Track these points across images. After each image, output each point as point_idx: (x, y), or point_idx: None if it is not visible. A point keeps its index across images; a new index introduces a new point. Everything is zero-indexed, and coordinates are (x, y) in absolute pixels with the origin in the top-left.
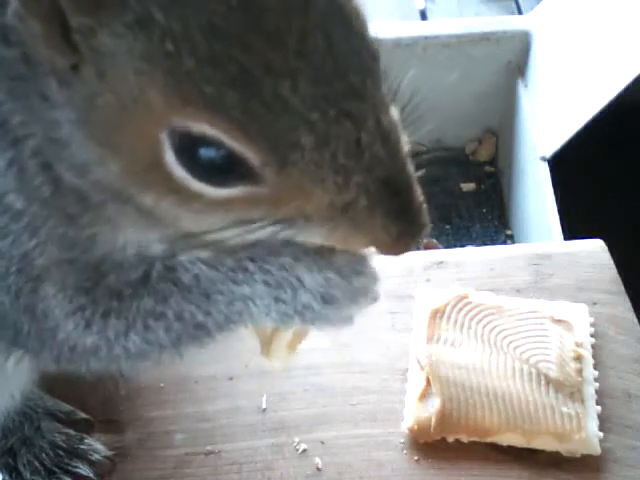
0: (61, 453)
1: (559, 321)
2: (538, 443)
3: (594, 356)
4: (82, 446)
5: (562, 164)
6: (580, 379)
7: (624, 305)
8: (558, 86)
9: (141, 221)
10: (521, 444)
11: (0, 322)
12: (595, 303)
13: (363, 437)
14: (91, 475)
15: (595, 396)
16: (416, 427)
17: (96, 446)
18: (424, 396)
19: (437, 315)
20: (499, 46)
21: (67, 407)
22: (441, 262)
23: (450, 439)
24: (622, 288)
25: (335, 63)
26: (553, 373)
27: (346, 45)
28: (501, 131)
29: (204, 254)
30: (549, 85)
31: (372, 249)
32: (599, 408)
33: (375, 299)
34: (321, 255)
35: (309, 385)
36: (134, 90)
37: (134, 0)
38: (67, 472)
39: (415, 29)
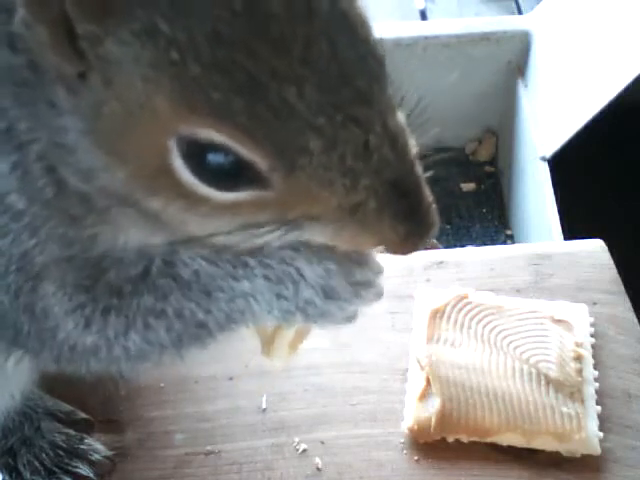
0: (61, 453)
1: (559, 321)
2: (538, 443)
3: (594, 356)
4: (82, 446)
5: (562, 164)
6: (580, 379)
7: (624, 305)
8: (558, 86)
9: (145, 224)
10: (521, 444)
11: (0, 322)
12: (595, 303)
13: (363, 437)
14: (91, 475)
15: (595, 396)
16: (416, 427)
17: (96, 446)
18: (424, 396)
19: (437, 315)
20: (499, 46)
21: (67, 407)
22: (441, 262)
23: (450, 439)
24: (622, 288)
25: (340, 69)
26: (553, 373)
27: (351, 51)
28: (501, 131)
29: (203, 251)
30: (549, 85)
31: (378, 248)
32: (599, 408)
33: (380, 294)
34: (322, 248)
35: (309, 385)
36: (141, 97)
37: (140, 9)
38: (67, 472)
39: (415, 29)
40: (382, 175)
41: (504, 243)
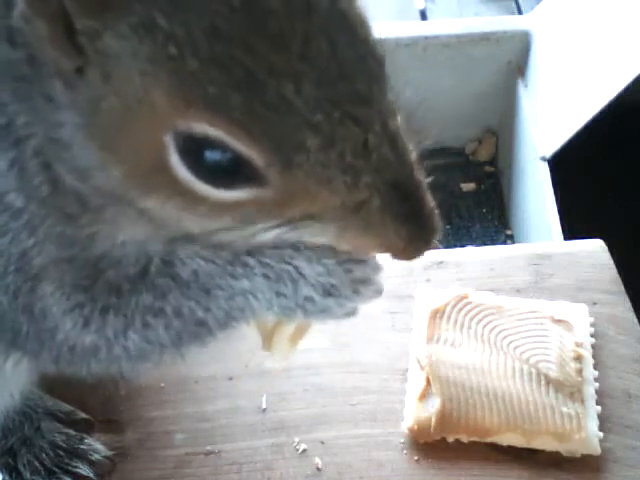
0: (61, 453)
1: (559, 321)
2: (538, 443)
3: (594, 356)
4: (82, 446)
5: (562, 164)
6: (580, 379)
7: (624, 305)
8: (558, 86)
9: (142, 223)
10: (521, 444)
11: None
12: (595, 303)
13: (363, 437)
14: (91, 475)
15: (595, 396)
16: (416, 427)
17: (96, 446)
18: (424, 396)
19: (437, 315)
20: (499, 46)
21: (67, 407)
22: (441, 262)
23: (450, 439)
24: (622, 288)
25: (339, 68)
26: (553, 373)
27: (351, 51)
28: (501, 131)
29: (201, 249)
30: (549, 85)
31: (381, 252)
32: (599, 408)
33: (379, 291)
34: (321, 247)
35: (309, 385)
36: (139, 92)
37: (138, 3)
38: (67, 472)
39: (415, 29)
40: (383, 175)
41: (504, 243)
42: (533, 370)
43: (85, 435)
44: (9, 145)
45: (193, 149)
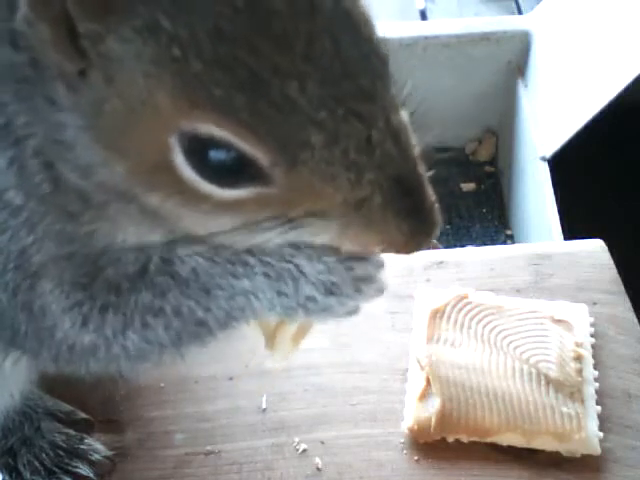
0: (61, 453)
1: (559, 321)
2: (538, 443)
3: (594, 356)
4: (82, 446)
5: (562, 164)
6: (580, 379)
7: (624, 305)
8: (558, 86)
9: (144, 221)
10: (521, 444)
11: None
12: (595, 303)
13: (363, 437)
14: (91, 475)
15: (595, 396)
16: (416, 427)
17: (96, 446)
18: (424, 396)
19: (437, 315)
20: (499, 46)
21: (67, 407)
22: (441, 262)
23: (450, 439)
24: (622, 288)
25: (343, 66)
26: (553, 373)
27: (354, 49)
28: (501, 131)
29: (202, 247)
30: (549, 85)
31: (383, 248)
32: (599, 408)
33: (381, 289)
34: (322, 244)
35: (309, 385)
36: (142, 94)
37: (142, 6)
38: (67, 472)
39: (415, 29)
40: (386, 170)
41: (504, 243)
42: (533, 370)
43: (85, 435)
44: (8, 144)
45: (197, 149)
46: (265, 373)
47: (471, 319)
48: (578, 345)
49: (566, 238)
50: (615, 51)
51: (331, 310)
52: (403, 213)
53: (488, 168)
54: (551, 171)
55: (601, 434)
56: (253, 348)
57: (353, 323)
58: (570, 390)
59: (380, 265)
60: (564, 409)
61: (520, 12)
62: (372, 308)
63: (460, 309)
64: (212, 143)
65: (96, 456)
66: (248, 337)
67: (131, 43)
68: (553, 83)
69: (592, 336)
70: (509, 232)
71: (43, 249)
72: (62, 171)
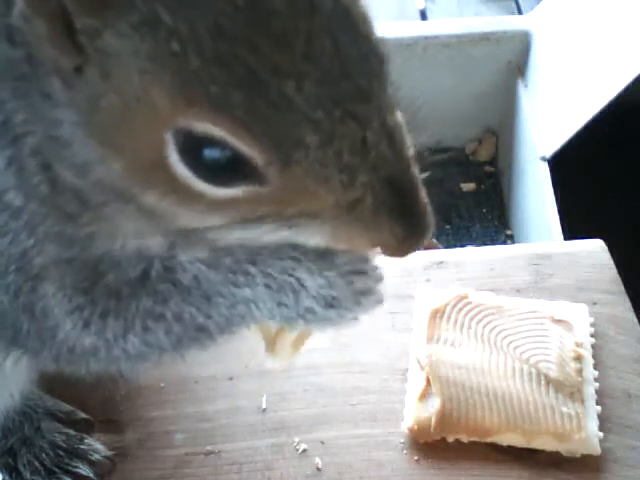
0: (61, 453)
1: (559, 321)
2: (538, 443)
3: (594, 356)
4: (82, 446)
5: (562, 164)
6: (580, 379)
7: (624, 305)
8: (558, 86)
9: (142, 221)
10: (521, 444)
11: None
12: (595, 303)
13: (363, 437)
14: (91, 475)
15: (595, 396)
16: (416, 427)
17: (96, 446)
18: (424, 396)
19: (437, 315)
20: (499, 46)
21: (67, 407)
22: (441, 262)
23: (450, 439)
24: (622, 288)
25: (342, 65)
26: (553, 373)
27: (353, 48)
28: (501, 131)
29: (203, 255)
30: (549, 85)
31: (376, 250)
32: (599, 408)
33: (380, 301)
34: (322, 256)
35: (309, 385)
36: (139, 90)
37: (140, 1)
38: (67, 472)
39: (415, 29)
40: (379, 172)
41: (504, 243)
42: (533, 370)
43: (85, 435)
44: (6, 143)
45: (192, 147)
46: (265, 373)
47: (471, 319)
48: (578, 345)
49: (566, 238)
50: (615, 51)
51: (330, 321)
52: (395, 215)
53: (488, 168)
54: (551, 171)
55: (601, 434)
56: (253, 348)
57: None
58: (570, 390)
59: (379, 278)
60: (564, 409)
61: (520, 12)
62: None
63: (460, 309)
64: (207, 141)
65: (96, 456)
66: (248, 337)
67: (128, 39)
68: (553, 83)
69: (592, 336)
70: (509, 232)
71: (44, 252)
72: (59, 170)
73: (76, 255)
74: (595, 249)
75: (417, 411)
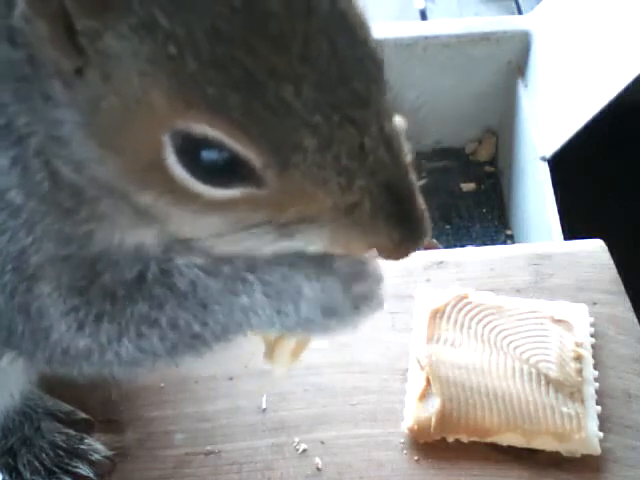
0: (61, 453)
1: (559, 321)
2: (538, 443)
3: (594, 356)
4: (82, 446)
5: (562, 164)
6: (580, 379)
7: (624, 305)
8: (558, 86)
9: (137, 219)
10: (521, 444)
11: None
12: (595, 303)
13: (363, 437)
14: (91, 475)
15: (595, 396)
16: (416, 427)
17: (96, 446)
18: (424, 396)
19: (437, 315)
20: (499, 46)
21: (67, 407)
22: (441, 262)
23: (450, 439)
24: (622, 288)
25: (339, 69)
26: (553, 373)
27: (350, 51)
28: (501, 131)
29: (201, 260)
30: (549, 85)
31: (373, 253)
32: (599, 408)
33: (380, 304)
34: (320, 262)
35: (309, 385)
36: (138, 92)
37: (137, 3)
38: (67, 472)
39: (415, 29)
40: (377, 177)
41: (504, 243)
42: (533, 370)
43: (85, 435)
44: (10, 144)
45: (190, 148)
46: (265, 373)
47: (471, 319)
48: (578, 345)
49: (566, 238)
50: (615, 51)
51: (330, 329)
52: (393, 220)
53: (488, 168)
54: (551, 171)
55: (601, 434)
56: (253, 348)
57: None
58: (570, 390)
59: (379, 280)
60: (564, 409)
61: (520, 12)
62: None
63: (460, 309)
64: (205, 143)
65: (96, 456)
66: (248, 339)
67: (128, 41)
68: (553, 83)
69: (592, 336)
70: (509, 232)
71: (42, 250)
72: (57, 165)
73: (73, 253)
74: (595, 249)
75: (417, 411)
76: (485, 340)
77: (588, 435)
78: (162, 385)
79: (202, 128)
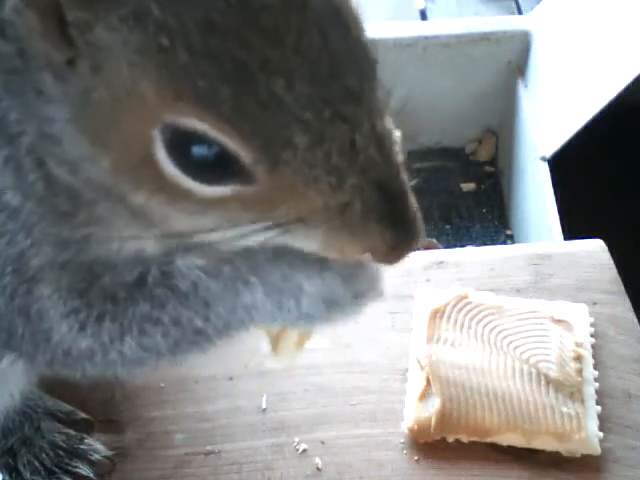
0: (61, 453)
1: (559, 321)
2: (538, 443)
3: (594, 356)
4: (82, 446)
5: (562, 164)
6: (580, 379)
7: (624, 305)
8: (558, 86)
9: (134, 221)
10: (521, 444)
11: None
12: (595, 303)
13: (363, 437)
14: (91, 475)
15: (595, 396)
16: (416, 427)
17: (96, 446)
18: (424, 396)
19: (437, 315)
20: (499, 46)
21: (67, 407)
22: (441, 262)
23: (450, 439)
24: (622, 288)
25: (331, 63)
26: (553, 373)
27: (343, 47)
28: (501, 131)
29: (201, 261)
30: (549, 85)
31: (366, 257)
32: (599, 408)
33: (380, 294)
34: (319, 260)
35: (309, 385)
36: (128, 83)
37: None
38: (67, 472)
39: (415, 29)
40: (368, 175)
41: (504, 243)
42: (533, 370)
43: (85, 435)
44: (3, 142)
45: (180, 143)
46: (265, 373)
47: (471, 319)
48: (578, 345)
49: (566, 238)
50: (615, 51)
51: (332, 320)
52: (385, 221)
53: (488, 168)
54: (551, 171)
55: (601, 434)
56: (253, 348)
57: (354, 323)
58: (570, 390)
59: (377, 272)
60: (564, 409)
61: (520, 12)
62: (372, 308)
63: (460, 309)
64: (194, 138)
65: (96, 456)
66: (250, 336)
67: (118, 32)
68: (553, 83)
69: (592, 336)
70: (509, 232)
71: (41, 253)
72: (51, 167)
73: (72, 258)
74: (595, 249)
75: (417, 411)
76: (485, 340)
77: (588, 435)
78: (162, 385)
79: (191, 122)
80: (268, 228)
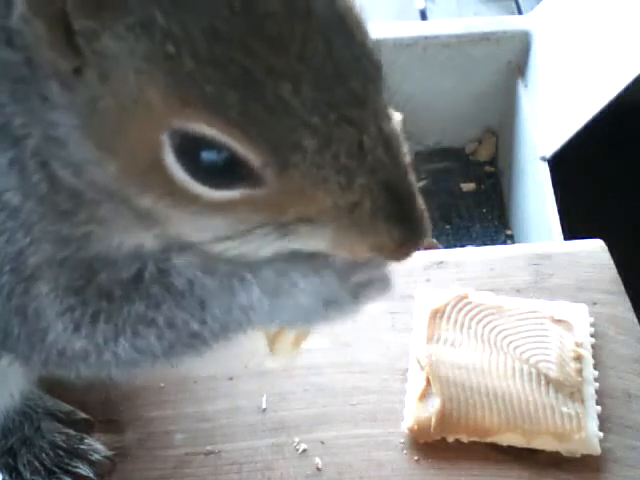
0: (61, 453)
1: (559, 321)
2: (538, 443)
3: (594, 356)
4: (82, 446)
5: (562, 164)
6: (580, 379)
7: (624, 305)
8: (558, 86)
9: (138, 222)
10: (521, 444)
11: None
12: (595, 303)
13: (363, 437)
14: (91, 475)
15: (595, 396)
16: (416, 427)
17: (96, 446)
18: (424, 396)
19: (437, 315)
20: (499, 46)
21: (67, 407)
22: (441, 262)
23: (450, 439)
24: (622, 288)
25: (336, 68)
26: (553, 373)
27: (347, 51)
28: (501, 131)
29: (198, 259)
30: (549, 85)
31: (374, 256)
32: (599, 408)
33: (383, 289)
34: (315, 258)
35: (309, 385)
36: (135, 91)
37: (136, 3)
38: (67, 472)
39: (415, 29)
40: (377, 175)
41: (504, 243)
42: (533, 370)
43: (85, 435)
44: (7, 145)
45: (189, 148)
46: (265, 373)
47: (471, 319)
48: (578, 345)
49: (566, 238)
50: (615, 51)
51: (330, 318)
52: (393, 220)
53: (488, 168)
54: (551, 171)
55: (601, 434)
56: (253, 348)
57: (353, 323)
58: (570, 390)
59: (380, 266)
60: (564, 409)
61: (520, 12)
62: (372, 308)
63: (460, 309)
64: (203, 143)
65: (96, 456)
66: (248, 337)
67: (125, 40)
68: (553, 83)
69: (592, 336)
70: (509, 232)
71: (39, 251)
72: (55, 168)
73: (71, 255)
74: (595, 249)
75: (417, 411)
76: (485, 340)
77: (588, 435)
78: (162, 385)
79: (200, 127)
80: (276, 229)
